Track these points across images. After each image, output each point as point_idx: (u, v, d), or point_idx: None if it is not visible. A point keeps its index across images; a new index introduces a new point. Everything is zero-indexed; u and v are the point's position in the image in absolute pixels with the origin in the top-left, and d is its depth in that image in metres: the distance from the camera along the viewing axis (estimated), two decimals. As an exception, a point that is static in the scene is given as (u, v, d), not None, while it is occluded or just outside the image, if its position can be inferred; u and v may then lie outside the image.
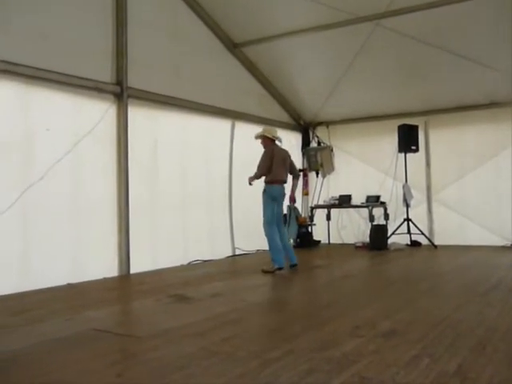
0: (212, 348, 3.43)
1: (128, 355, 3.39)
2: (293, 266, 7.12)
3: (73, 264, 6.40)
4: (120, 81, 7.08)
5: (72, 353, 3.43)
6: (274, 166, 6.94)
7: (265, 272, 6.90)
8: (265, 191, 7.04)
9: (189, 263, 8.02)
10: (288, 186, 7.32)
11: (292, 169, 7.34)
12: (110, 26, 7.07)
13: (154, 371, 3.00)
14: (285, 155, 7.21)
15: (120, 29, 7.10)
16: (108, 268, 6.80)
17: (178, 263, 7.83)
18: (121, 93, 7.06)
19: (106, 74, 7.01)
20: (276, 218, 7.10)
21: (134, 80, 7.24)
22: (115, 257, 6.98)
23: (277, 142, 7.23)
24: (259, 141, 7.18)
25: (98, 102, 6.86)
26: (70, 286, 6.03)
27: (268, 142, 7.10)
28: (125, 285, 6.59)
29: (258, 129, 9.91)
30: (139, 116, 7.41)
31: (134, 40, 7.26)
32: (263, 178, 7.01)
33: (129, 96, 7.17)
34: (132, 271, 7.03)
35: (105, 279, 6.56)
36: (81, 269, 6.40)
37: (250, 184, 7.01)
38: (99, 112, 6.83)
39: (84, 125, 6.61)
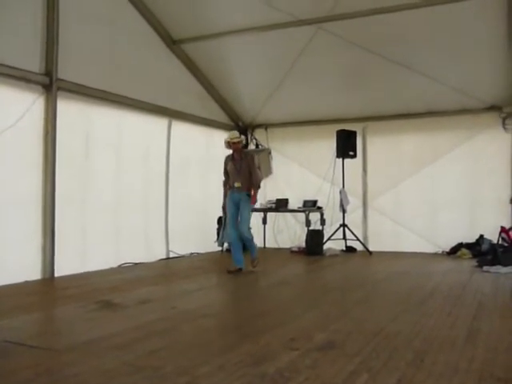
0: (136, 363, 3.16)
1: (42, 372, 3.04)
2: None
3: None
4: (49, 71, 6.63)
5: (-22, 369, 3.07)
6: None
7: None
8: (250, 197, 7.16)
9: (119, 266, 7.64)
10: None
11: None
12: (39, 9, 6.57)
13: (69, 390, 2.70)
14: None
15: (51, 14, 6.62)
16: (30, 270, 6.35)
17: (108, 266, 7.45)
18: (50, 84, 6.62)
19: (34, 64, 6.54)
20: None
21: (65, 71, 6.79)
22: (38, 258, 6.54)
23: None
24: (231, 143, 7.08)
25: (25, 93, 6.40)
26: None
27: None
28: (47, 289, 6.16)
29: (196, 128, 9.60)
30: (70, 110, 7.00)
31: (66, 27, 6.80)
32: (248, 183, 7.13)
33: (59, 88, 6.73)
34: (57, 274, 6.61)
35: (26, 283, 6.10)
36: (-1, 271, 5.92)
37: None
38: (25, 104, 6.36)
39: (7, 117, 6.13)
